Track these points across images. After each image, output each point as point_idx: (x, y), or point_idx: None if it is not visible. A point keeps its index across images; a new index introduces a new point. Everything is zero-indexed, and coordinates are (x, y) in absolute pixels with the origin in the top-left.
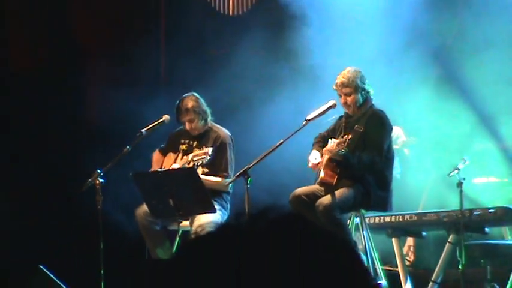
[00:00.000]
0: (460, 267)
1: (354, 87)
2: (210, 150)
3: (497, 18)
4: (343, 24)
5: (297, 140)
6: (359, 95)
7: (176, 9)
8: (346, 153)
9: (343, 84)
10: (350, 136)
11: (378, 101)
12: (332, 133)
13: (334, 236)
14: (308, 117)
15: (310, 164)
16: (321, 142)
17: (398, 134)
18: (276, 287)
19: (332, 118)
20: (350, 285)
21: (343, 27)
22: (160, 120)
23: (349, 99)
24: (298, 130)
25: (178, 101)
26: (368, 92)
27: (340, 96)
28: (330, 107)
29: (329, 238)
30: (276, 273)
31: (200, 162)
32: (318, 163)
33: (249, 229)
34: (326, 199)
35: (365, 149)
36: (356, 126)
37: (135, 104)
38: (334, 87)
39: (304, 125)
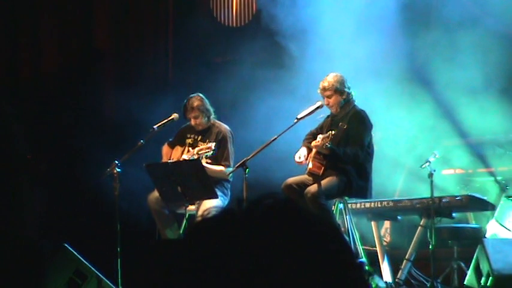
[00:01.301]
0: (430, 247)
1: (334, 90)
2: (213, 145)
3: (464, 31)
4: (331, 36)
5: (289, 136)
6: (339, 97)
7: (183, 20)
8: (331, 146)
9: (325, 88)
10: (334, 132)
11: (360, 103)
12: (320, 130)
13: (322, 219)
14: (299, 116)
15: (295, 161)
16: (311, 138)
17: None
18: (271, 262)
19: (320, 117)
20: (337, 262)
21: (331, 39)
22: (170, 118)
23: (330, 100)
24: (290, 127)
25: (185, 100)
26: (349, 94)
27: (324, 98)
28: (318, 108)
29: (318, 221)
30: (272, 251)
31: (204, 155)
32: (302, 161)
33: (249, 213)
34: (314, 187)
35: (348, 143)
36: (340, 123)
37: (145, 104)
38: (318, 91)
39: (295, 122)
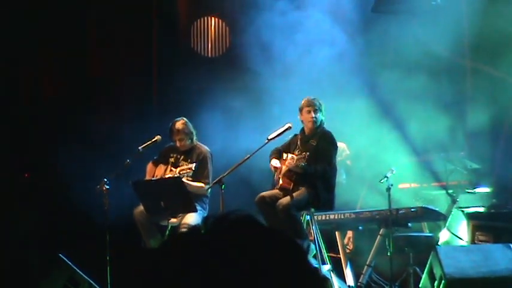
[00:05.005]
0: (388, 254)
1: (322, 109)
2: (193, 166)
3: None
4: (298, 64)
5: (260, 155)
6: (321, 115)
7: (166, 51)
8: (305, 166)
9: (315, 104)
10: (308, 153)
11: (329, 124)
12: (287, 148)
13: (279, 233)
14: (269, 137)
15: (272, 168)
16: (277, 154)
17: (343, 148)
18: (233, 271)
19: (288, 138)
20: (293, 270)
21: (298, 66)
22: (154, 140)
23: (317, 116)
24: (261, 147)
25: (171, 124)
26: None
27: (309, 112)
28: (287, 129)
29: (275, 233)
30: (234, 261)
31: (185, 175)
32: (279, 167)
33: (215, 228)
34: (285, 200)
35: (318, 160)
36: (311, 141)
37: (132, 127)
38: (307, 102)
39: (266, 143)
